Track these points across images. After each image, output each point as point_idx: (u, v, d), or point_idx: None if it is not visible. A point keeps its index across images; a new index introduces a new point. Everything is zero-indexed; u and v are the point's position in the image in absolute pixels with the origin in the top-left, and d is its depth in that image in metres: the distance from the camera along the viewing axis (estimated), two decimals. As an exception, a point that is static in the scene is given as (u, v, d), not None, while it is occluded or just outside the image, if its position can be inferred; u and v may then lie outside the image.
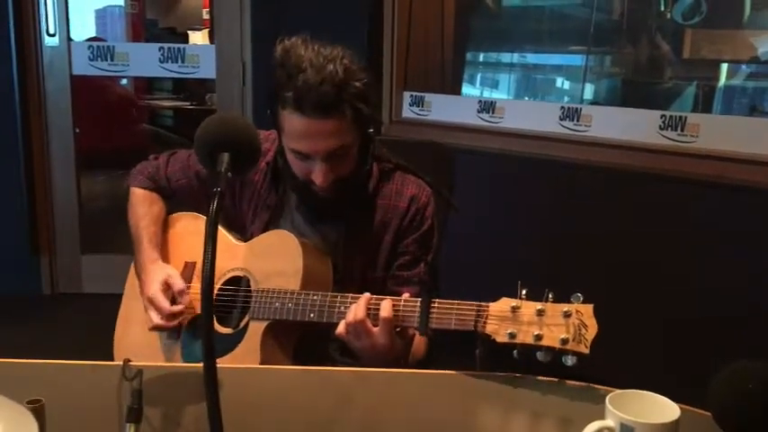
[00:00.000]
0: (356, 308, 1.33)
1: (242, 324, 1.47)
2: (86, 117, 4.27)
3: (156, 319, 1.48)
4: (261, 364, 1.40)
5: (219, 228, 1.56)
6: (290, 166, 1.50)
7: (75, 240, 3.79)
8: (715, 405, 1.01)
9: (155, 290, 1.49)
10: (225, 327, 1.50)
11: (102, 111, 5.27)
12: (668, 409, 0.97)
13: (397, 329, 1.33)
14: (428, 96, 3.41)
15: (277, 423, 1.16)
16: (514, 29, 3.66)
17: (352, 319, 1.33)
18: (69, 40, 3.60)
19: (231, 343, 1.45)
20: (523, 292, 1.22)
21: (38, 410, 0.99)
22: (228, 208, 1.65)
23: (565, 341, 1.16)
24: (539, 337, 1.18)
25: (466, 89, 3.69)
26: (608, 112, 2.98)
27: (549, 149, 2.98)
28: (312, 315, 1.39)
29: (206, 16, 6.69)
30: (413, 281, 1.56)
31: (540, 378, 1.23)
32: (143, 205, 1.68)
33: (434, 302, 1.29)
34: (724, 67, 2.92)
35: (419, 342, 1.47)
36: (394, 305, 1.32)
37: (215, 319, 1.49)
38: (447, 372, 1.30)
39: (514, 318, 1.21)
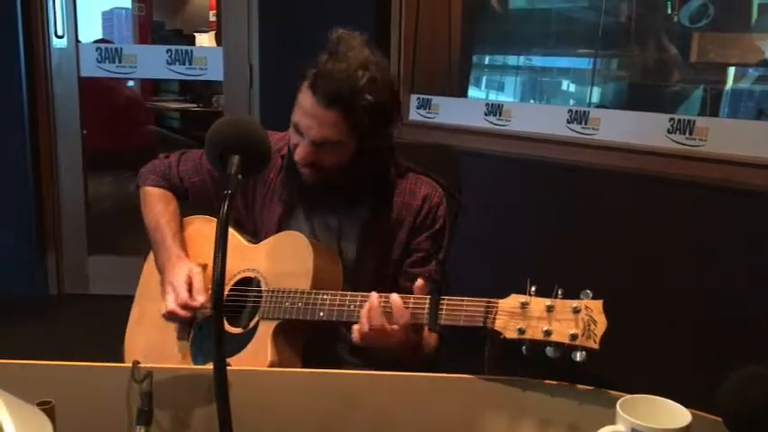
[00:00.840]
0: (371, 315, 1.33)
1: (252, 324, 1.48)
2: (94, 118, 4.28)
3: (172, 304, 1.47)
4: (270, 363, 1.41)
5: (230, 229, 1.56)
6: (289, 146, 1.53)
7: (82, 241, 3.80)
8: (726, 411, 1.01)
9: (179, 279, 1.49)
10: (235, 327, 1.50)
11: (110, 112, 5.28)
12: (679, 415, 0.97)
13: None
14: (435, 99, 3.41)
15: (286, 425, 1.16)
16: (521, 32, 3.65)
17: (368, 328, 1.33)
18: (77, 41, 3.61)
19: (241, 343, 1.46)
20: (533, 288, 1.21)
21: (48, 412, 0.99)
22: (240, 206, 1.66)
23: (574, 336, 1.15)
24: (548, 333, 1.17)
25: (473, 92, 3.69)
26: (616, 115, 2.97)
27: (557, 152, 2.97)
28: (322, 314, 1.40)
29: (212, 18, 6.71)
30: (424, 277, 1.55)
31: (549, 382, 1.23)
32: (160, 203, 1.67)
33: (443, 299, 1.29)
34: (731, 70, 2.92)
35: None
36: (404, 302, 1.32)
37: (225, 319, 1.49)
38: (456, 375, 1.29)
39: (524, 314, 1.20)
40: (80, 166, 3.73)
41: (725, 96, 2.92)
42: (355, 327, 1.36)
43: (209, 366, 0.88)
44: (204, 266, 1.57)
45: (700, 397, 1.07)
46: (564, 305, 1.18)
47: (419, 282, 1.34)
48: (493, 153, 3.15)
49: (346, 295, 1.40)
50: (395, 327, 1.33)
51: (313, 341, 1.51)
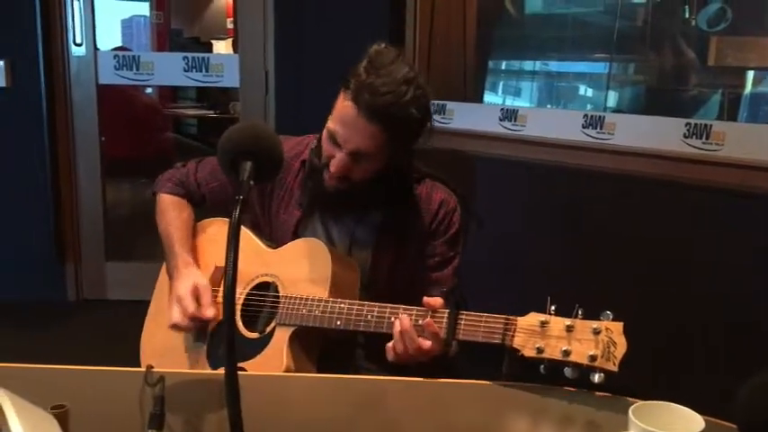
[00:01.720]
0: (404, 337, 1.32)
1: (268, 329, 1.48)
2: (112, 125, 4.32)
3: (178, 317, 1.48)
4: (285, 369, 1.41)
5: (250, 234, 1.61)
6: (316, 151, 1.54)
7: (100, 247, 3.83)
8: (741, 418, 1.00)
9: (185, 290, 1.50)
10: (252, 331, 1.51)
11: (128, 119, 5.33)
12: (692, 421, 0.96)
13: None
14: (450, 104, 3.40)
15: (299, 431, 1.16)
16: (537, 36, 3.64)
17: (403, 348, 1.32)
18: (96, 49, 3.65)
19: (257, 347, 1.46)
20: (552, 308, 1.21)
21: (62, 416, 1.00)
22: (257, 209, 1.67)
23: (593, 358, 1.15)
24: (567, 353, 1.17)
25: (488, 97, 3.68)
26: (631, 120, 2.94)
27: (572, 158, 2.95)
28: (339, 323, 1.40)
29: (230, 26, 6.76)
30: (440, 283, 1.59)
31: (566, 388, 1.22)
32: (173, 210, 1.69)
33: (462, 314, 1.29)
34: (750, 74, 2.89)
35: None
36: (422, 317, 1.32)
37: (242, 323, 1.51)
38: (472, 381, 1.30)
39: (543, 332, 1.20)
40: (98, 172, 3.76)
41: (743, 101, 2.88)
42: (389, 346, 1.36)
43: (221, 371, 0.89)
44: (221, 268, 1.58)
45: (716, 403, 1.06)
46: (584, 326, 1.18)
47: (438, 299, 1.34)
48: (508, 158, 3.13)
49: (363, 305, 1.40)
50: (429, 343, 1.32)
51: (330, 347, 1.51)
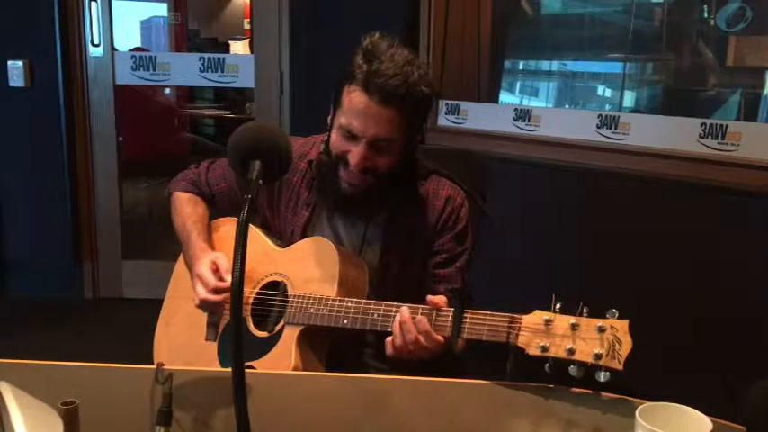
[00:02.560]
0: (404, 328, 1.33)
1: (277, 328, 1.49)
2: (129, 125, 4.36)
3: (203, 293, 1.49)
4: (294, 368, 1.41)
5: (260, 233, 1.63)
6: (325, 152, 1.54)
7: (117, 246, 3.87)
8: (749, 420, 0.99)
9: (204, 268, 1.52)
10: (261, 330, 1.52)
11: (145, 119, 5.38)
12: (699, 423, 0.95)
13: None
14: (464, 104, 3.40)
15: (306, 429, 1.16)
16: (552, 36, 3.63)
17: (402, 341, 1.34)
18: (113, 49, 3.69)
19: (266, 346, 1.47)
20: (557, 306, 1.20)
21: (72, 412, 1.01)
22: (266, 209, 1.68)
23: (598, 356, 1.14)
24: (571, 351, 1.16)
25: (503, 97, 3.67)
26: (646, 120, 2.93)
27: (587, 158, 2.94)
28: (346, 322, 1.41)
29: (247, 26, 6.79)
30: (447, 280, 1.60)
31: (572, 389, 1.22)
32: (188, 206, 1.72)
33: (467, 313, 1.29)
34: (769, 74, 2.86)
35: None
36: (428, 315, 1.33)
37: (251, 322, 1.52)
38: (478, 381, 1.29)
39: (547, 331, 1.19)
40: (115, 172, 3.80)
41: (763, 101, 2.85)
42: (388, 340, 1.37)
43: (230, 369, 0.89)
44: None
45: (724, 402, 1.05)
46: (589, 324, 1.17)
47: (441, 297, 1.35)
48: (522, 158, 3.13)
49: (370, 303, 1.41)
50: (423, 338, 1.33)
51: (339, 346, 1.52)
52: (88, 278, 3.84)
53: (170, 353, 1.64)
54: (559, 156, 3.03)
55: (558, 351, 1.18)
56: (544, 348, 1.19)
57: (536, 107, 3.36)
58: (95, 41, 3.62)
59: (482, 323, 1.27)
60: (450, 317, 1.31)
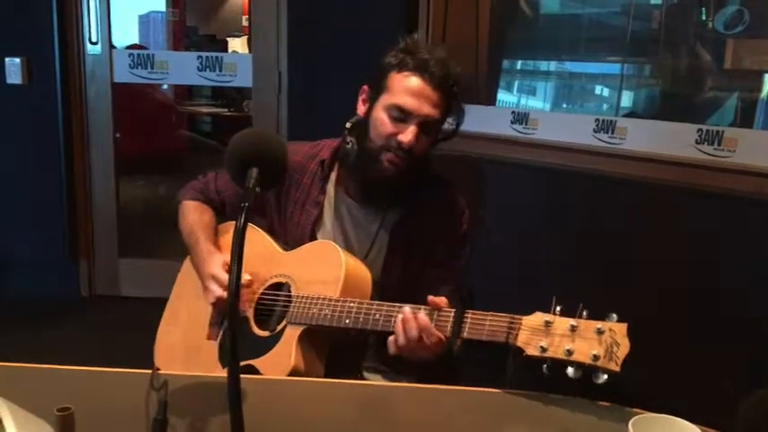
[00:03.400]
0: (406, 327, 1.35)
1: (279, 327, 1.50)
2: (127, 122, 4.35)
3: (218, 292, 1.54)
4: (294, 367, 1.43)
5: (266, 236, 1.66)
6: (362, 138, 1.57)
7: (113, 244, 3.86)
8: (745, 429, 1.00)
9: (217, 267, 1.57)
10: (263, 330, 1.53)
11: (143, 116, 5.37)
12: (690, 435, 0.96)
13: None
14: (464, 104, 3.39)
15: (301, 435, 1.17)
16: (550, 37, 3.63)
17: (404, 340, 1.35)
18: (111, 47, 3.68)
19: (267, 345, 1.49)
20: (558, 308, 1.22)
21: (68, 418, 1.01)
22: (273, 210, 1.71)
23: (596, 357, 1.15)
24: (570, 352, 1.18)
25: (501, 96, 3.67)
26: (643, 124, 2.92)
27: (583, 162, 2.94)
28: (348, 322, 1.43)
29: (245, 23, 6.79)
30: (447, 280, 1.61)
31: (569, 397, 1.23)
32: (195, 213, 1.75)
33: (468, 313, 1.31)
34: (767, 77, 2.86)
35: None
36: (429, 315, 1.35)
37: (254, 321, 1.55)
38: (476, 389, 1.30)
39: (547, 332, 1.21)
40: (112, 170, 3.79)
41: (760, 104, 2.85)
42: (391, 339, 1.38)
43: (224, 375, 0.90)
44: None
45: (720, 409, 1.06)
46: (588, 326, 1.19)
47: (442, 298, 1.36)
48: (519, 161, 3.13)
49: (372, 304, 1.42)
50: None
51: (341, 348, 1.53)
52: (84, 276, 3.84)
53: (172, 352, 1.67)
54: (556, 159, 3.04)
55: (556, 352, 1.19)
56: (543, 349, 1.20)
57: (533, 110, 3.36)
58: (93, 39, 3.61)
59: (482, 323, 1.29)
60: (452, 317, 1.32)
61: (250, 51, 3.92)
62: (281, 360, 1.45)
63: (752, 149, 2.52)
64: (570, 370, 1.18)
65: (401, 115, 1.51)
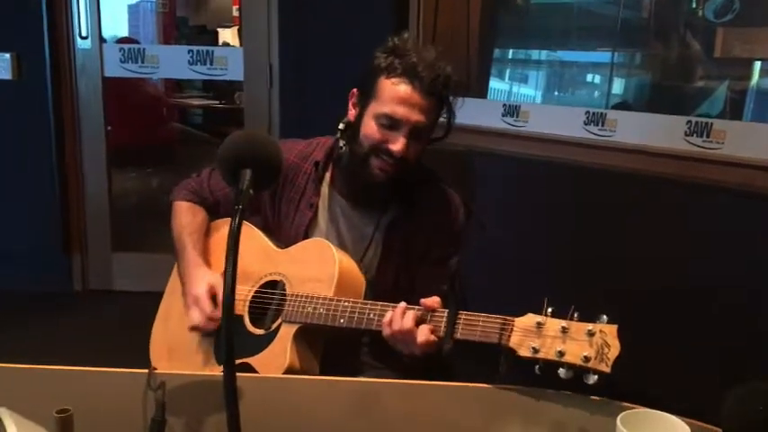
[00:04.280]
0: (404, 320, 1.36)
1: (274, 326, 1.52)
2: (118, 115, 4.34)
3: (198, 319, 1.52)
4: (289, 365, 1.44)
5: (260, 234, 1.65)
6: (353, 142, 1.57)
7: (106, 238, 3.87)
8: (727, 425, 1.02)
9: (202, 291, 1.54)
10: (258, 328, 1.54)
11: (134, 109, 5.35)
12: (678, 429, 0.98)
13: None
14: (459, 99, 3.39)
15: (297, 432, 1.18)
16: (540, 27, 3.63)
17: (399, 328, 1.36)
18: (102, 41, 3.67)
19: (263, 344, 1.50)
20: (549, 310, 1.24)
21: (66, 420, 1.03)
22: (268, 209, 1.71)
23: (587, 359, 1.17)
24: (561, 354, 1.20)
25: (492, 84, 3.67)
26: (633, 117, 2.94)
27: (574, 154, 2.96)
28: (342, 321, 1.44)
29: (236, 13, 6.74)
30: (439, 279, 1.62)
31: (560, 392, 1.25)
32: (186, 215, 1.73)
33: (461, 314, 1.32)
34: (757, 65, 2.87)
35: None
36: (422, 316, 1.36)
37: (249, 320, 1.55)
38: (469, 384, 1.32)
39: (538, 333, 1.23)
40: (104, 165, 3.79)
41: (750, 92, 2.87)
42: (385, 321, 1.39)
43: (221, 374, 0.91)
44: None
45: (710, 403, 1.08)
46: (579, 327, 1.20)
47: (435, 299, 1.37)
48: (510, 154, 3.14)
49: (366, 304, 1.44)
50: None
51: (335, 345, 1.54)
52: (77, 270, 3.85)
53: (167, 352, 1.67)
54: (547, 152, 3.05)
55: (548, 353, 1.21)
56: (535, 350, 1.22)
57: (524, 103, 3.37)
58: (83, 34, 3.60)
59: (475, 324, 1.30)
60: (445, 318, 1.33)
61: (241, 43, 3.91)
62: (276, 358, 1.46)
63: (740, 141, 2.54)
64: (562, 371, 1.20)
65: (391, 123, 1.50)
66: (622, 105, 3.22)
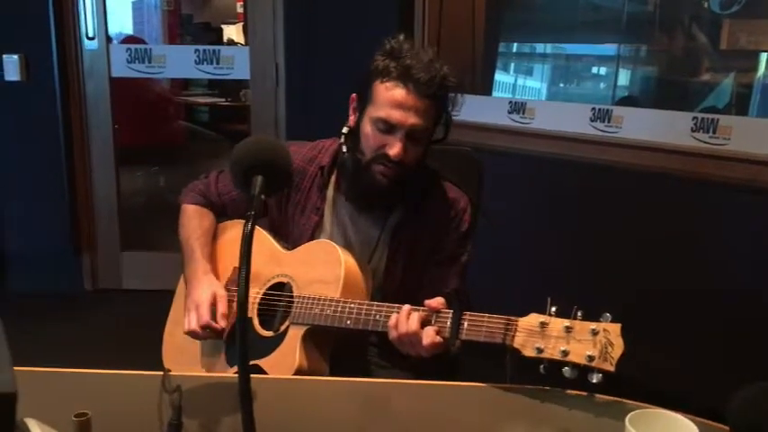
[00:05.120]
0: (409, 322, 1.37)
1: (283, 328, 1.53)
2: (125, 114, 4.35)
3: (194, 324, 1.52)
4: (298, 367, 1.45)
5: (267, 236, 1.66)
6: (354, 149, 1.57)
7: (115, 237, 3.89)
8: (735, 425, 1.03)
9: (204, 299, 1.54)
10: (267, 330, 1.55)
11: (141, 107, 5.36)
12: (686, 428, 0.99)
13: None
14: (458, 97, 3.39)
15: (309, 433, 1.20)
16: (546, 20, 3.61)
17: (405, 331, 1.37)
18: (108, 42, 3.69)
19: (271, 346, 1.51)
20: (553, 309, 1.24)
21: (85, 423, 1.05)
22: (275, 212, 1.72)
23: (591, 358, 1.18)
24: (565, 353, 1.20)
25: (498, 77, 3.66)
26: (639, 113, 2.94)
27: (580, 151, 2.96)
28: (349, 322, 1.44)
29: (240, 10, 6.74)
30: (446, 280, 1.63)
31: (568, 392, 1.25)
32: (194, 219, 1.74)
33: (465, 315, 1.33)
34: (763, 57, 2.86)
35: None
36: (427, 317, 1.36)
37: (257, 322, 1.56)
38: (476, 384, 1.33)
39: (542, 333, 1.24)
40: (112, 165, 3.82)
41: (756, 84, 2.86)
42: (391, 323, 1.40)
43: (236, 376, 0.92)
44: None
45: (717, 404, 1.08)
46: (582, 327, 1.21)
47: (439, 300, 1.38)
48: (516, 151, 3.15)
49: (372, 305, 1.45)
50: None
51: (343, 346, 1.55)
52: (87, 269, 3.87)
53: (180, 352, 1.67)
54: (553, 148, 3.05)
55: (552, 353, 1.22)
56: (539, 350, 1.23)
57: (530, 100, 3.37)
58: (90, 34, 3.62)
59: (480, 325, 1.31)
60: (450, 318, 1.34)
61: (246, 40, 3.91)
62: (286, 360, 1.47)
63: (746, 137, 2.54)
64: (566, 370, 1.21)
65: (387, 127, 1.50)
66: (629, 98, 3.22)
